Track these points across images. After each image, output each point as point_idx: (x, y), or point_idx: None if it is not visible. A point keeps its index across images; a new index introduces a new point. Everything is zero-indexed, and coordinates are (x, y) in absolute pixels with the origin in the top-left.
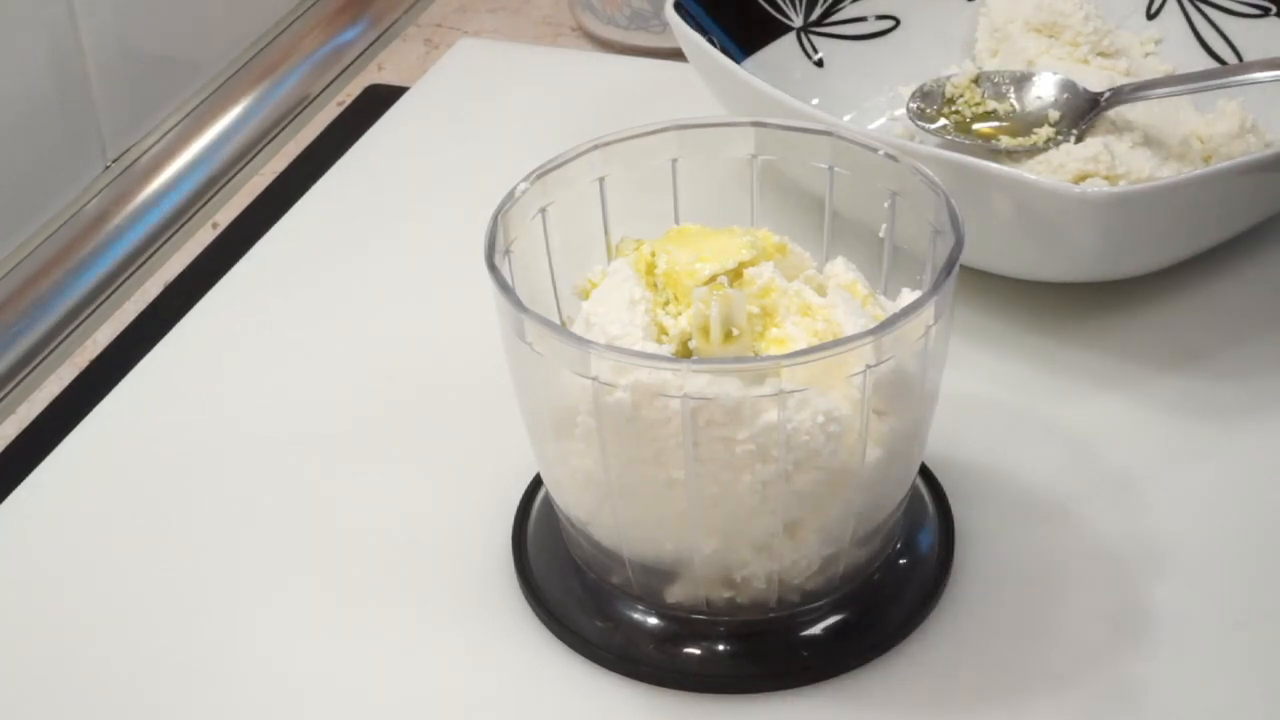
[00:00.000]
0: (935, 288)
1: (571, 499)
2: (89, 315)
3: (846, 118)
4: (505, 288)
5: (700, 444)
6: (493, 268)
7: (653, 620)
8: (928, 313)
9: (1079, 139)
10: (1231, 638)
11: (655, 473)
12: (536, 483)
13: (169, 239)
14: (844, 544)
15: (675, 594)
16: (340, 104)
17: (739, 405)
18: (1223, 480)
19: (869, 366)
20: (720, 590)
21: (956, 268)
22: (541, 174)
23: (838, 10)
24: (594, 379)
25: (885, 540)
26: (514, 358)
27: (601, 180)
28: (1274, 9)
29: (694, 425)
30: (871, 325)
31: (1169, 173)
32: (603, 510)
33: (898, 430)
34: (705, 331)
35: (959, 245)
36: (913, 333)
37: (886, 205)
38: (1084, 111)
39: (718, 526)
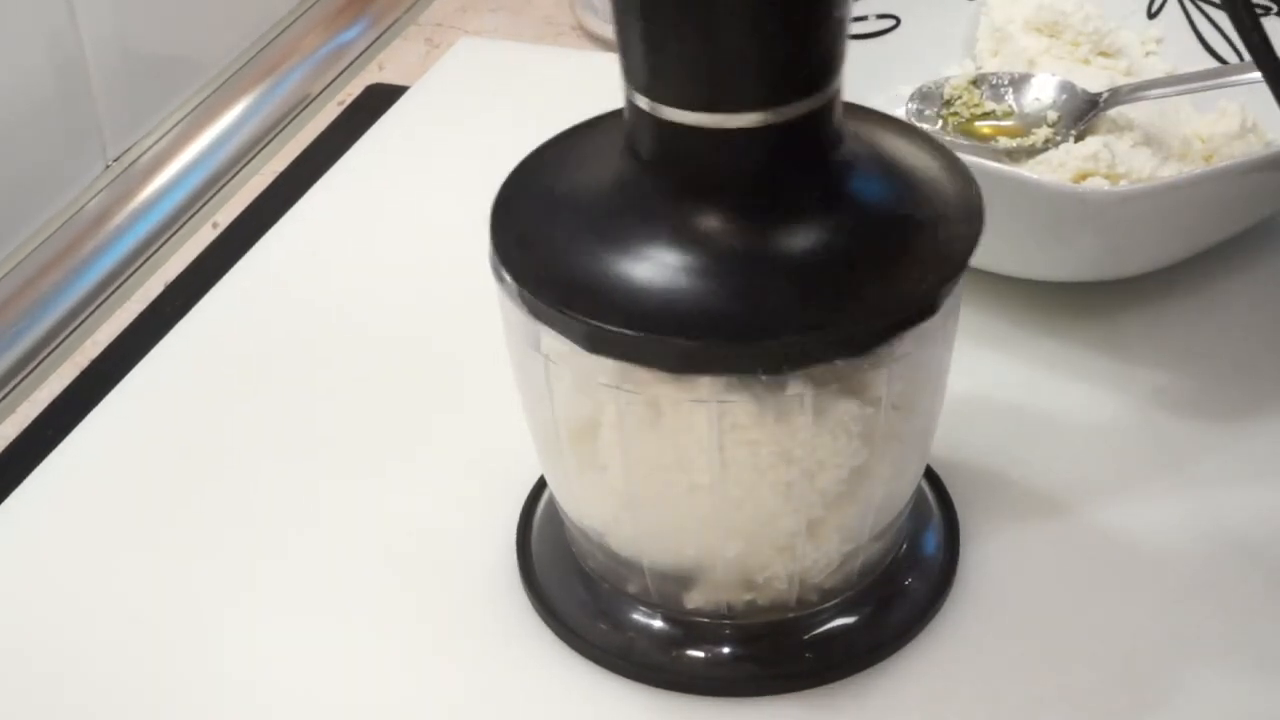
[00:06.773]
0: None
1: (586, 510)
2: (90, 315)
3: None
4: (518, 297)
5: (724, 448)
6: (501, 279)
7: (658, 623)
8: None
9: (1078, 139)
10: (1235, 637)
11: (678, 478)
12: (540, 485)
13: (169, 239)
14: (862, 539)
15: (694, 599)
16: (341, 104)
17: (763, 408)
18: (1223, 480)
19: (891, 362)
20: (741, 593)
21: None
22: None
23: None
24: (617, 387)
25: (896, 535)
26: (525, 369)
27: None
28: (1275, 8)
29: (719, 429)
30: None
31: (1169, 172)
32: (620, 520)
33: (913, 424)
34: None
35: None
36: (928, 329)
37: None
38: (1083, 112)
39: (741, 529)
